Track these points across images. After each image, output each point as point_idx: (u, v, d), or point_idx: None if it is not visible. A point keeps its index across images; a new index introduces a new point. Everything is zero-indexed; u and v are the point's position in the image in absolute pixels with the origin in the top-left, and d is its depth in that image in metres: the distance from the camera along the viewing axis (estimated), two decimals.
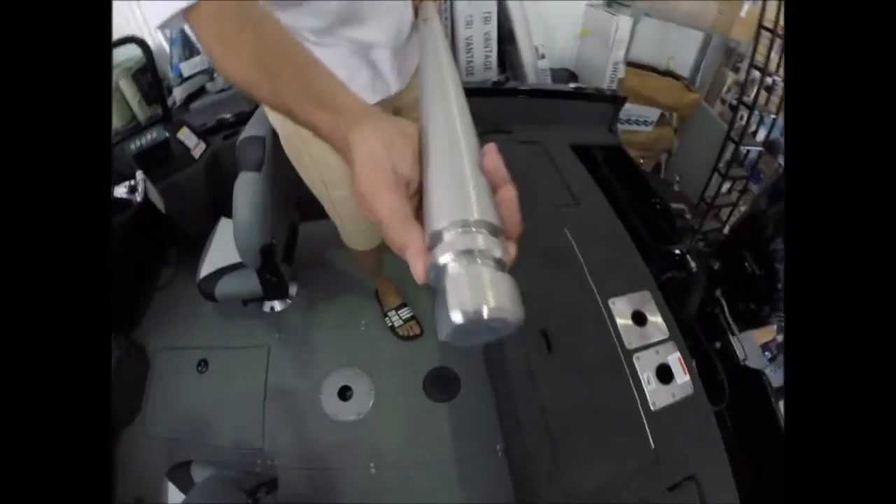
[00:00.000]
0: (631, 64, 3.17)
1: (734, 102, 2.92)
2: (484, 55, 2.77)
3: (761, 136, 2.79)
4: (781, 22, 2.35)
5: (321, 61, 0.59)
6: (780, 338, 1.79)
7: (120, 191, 1.96)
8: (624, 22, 2.87)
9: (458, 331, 0.30)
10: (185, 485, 1.45)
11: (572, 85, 2.41)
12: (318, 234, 2.00)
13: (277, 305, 2.24)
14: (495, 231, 0.35)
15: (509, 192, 0.42)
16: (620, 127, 2.80)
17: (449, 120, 0.46)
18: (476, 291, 0.30)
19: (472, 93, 2.21)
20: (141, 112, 2.63)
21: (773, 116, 2.69)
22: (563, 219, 1.63)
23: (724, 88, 3.13)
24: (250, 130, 1.54)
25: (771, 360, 1.77)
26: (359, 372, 2.00)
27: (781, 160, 2.70)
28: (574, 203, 1.74)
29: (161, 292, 2.45)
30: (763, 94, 2.66)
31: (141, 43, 2.25)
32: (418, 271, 0.36)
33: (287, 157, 1.28)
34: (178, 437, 1.95)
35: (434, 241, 0.35)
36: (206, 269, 1.99)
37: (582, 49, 3.20)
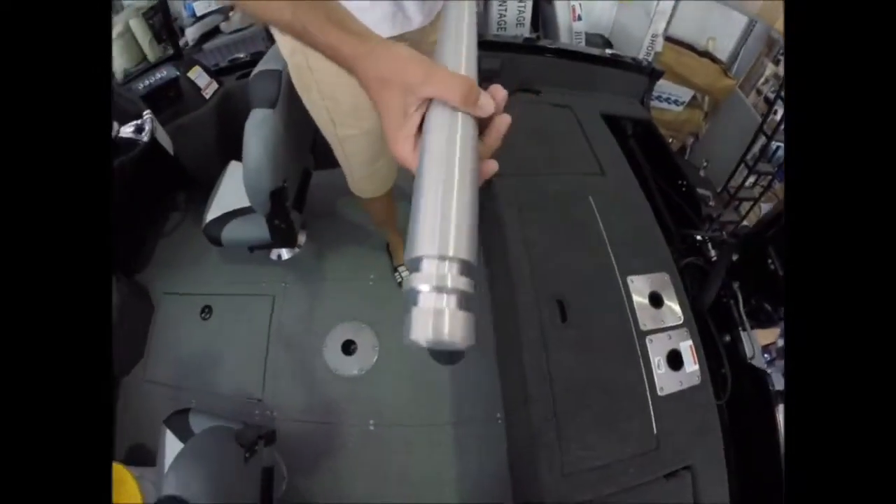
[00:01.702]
0: (669, 40, 3.04)
1: (770, 95, 2.84)
2: (517, 9, 2.67)
3: None
4: None
5: None
6: (781, 342, 1.78)
7: (126, 130, 1.89)
8: None
9: (412, 344, 0.38)
10: (183, 433, 1.44)
11: (609, 51, 2.32)
12: (331, 182, 1.93)
13: (285, 254, 2.21)
14: (467, 269, 0.40)
15: (504, 121, 0.52)
16: (651, 103, 2.73)
17: (451, 130, 0.47)
18: (436, 327, 0.37)
19: (503, 47, 2.16)
20: (151, 52, 2.58)
21: None
22: (588, 187, 1.60)
23: (762, 79, 3.05)
24: (265, 64, 1.47)
25: (769, 362, 1.76)
26: (364, 326, 1.98)
27: None
28: (600, 173, 1.69)
29: (167, 237, 2.43)
30: None
31: None
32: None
33: None
34: (180, 384, 1.95)
35: (413, 265, 0.40)
36: (212, 212, 1.95)
37: (620, 15, 3.09)
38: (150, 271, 2.31)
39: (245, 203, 1.77)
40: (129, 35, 2.54)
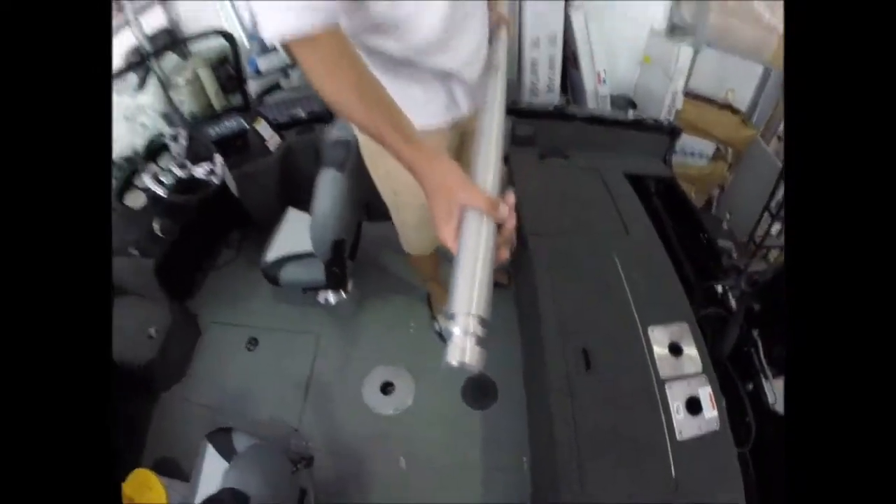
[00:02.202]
0: (689, 95, 3.16)
1: None
2: (548, 77, 2.84)
3: None
4: None
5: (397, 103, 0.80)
6: None
7: (200, 171, 2.15)
8: (685, 52, 2.88)
9: (447, 367, 0.60)
10: (225, 450, 1.53)
11: (631, 114, 2.47)
12: (377, 236, 2.13)
13: (332, 298, 2.31)
14: (483, 321, 0.62)
15: (511, 222, 0.73)
16: (675, 159, 2.81)
17: (479, 229, 0.70)
18: (461, 355, 0.59)
19: (535, 115, 2.32)
20: (217, 101, 2.83)
21: None
22: (613, 246, 1.71)
23: (782, 125, 3.08)
24: (337, 133, 1.69)
25: None
26: (403, 370, 2.10)
27: None
28: (624, 231, 1.80)
29: (218, 270, 2.63)
30: None
31: (229, 38, 2.44)
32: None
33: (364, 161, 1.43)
34: (218, 406, 2.08)
35: (450, 317, 0.62)
36: (272, 254, 2.13)
37: (642, 76, 3.21)
38: (200, 299, 2.50)
39: (302, 248, 2.01)
40: (197, 83, 2.81)
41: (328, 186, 1.71)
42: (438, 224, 0.73)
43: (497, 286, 2.15)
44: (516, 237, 1.79)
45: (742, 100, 3.30)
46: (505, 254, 0.73)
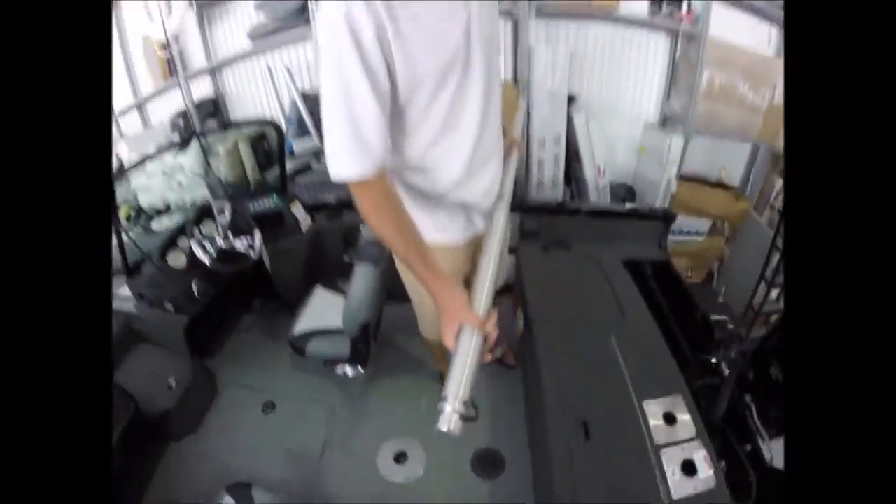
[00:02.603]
0: (684, 177, 3.37)
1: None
2: (553, 173, 3.10)
3: None
4: None
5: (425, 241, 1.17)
6: None
7: (240, 244, 2.35)
8: (676, 142, 3.13)
9: (438, 431, 0.93)
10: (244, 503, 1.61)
11: (627, 205, 2.70)
12: (394, 317, 2.27)
13: (350, 371, 2.45)
14: (468, 402, 0.94)
15: (494, 334, 1.11)
16: (674, 238, 2.99)
17: (471, 339, 1.06)
18: (447, 426, 0.93)
19: (540, 210, 2.53)
20: (252, 174, 3.10)
21: None
22: (611, 329, 1.85)
23: (774, 194, 3.26)
24: (372, 235, 1.91)
25: None
26: (416, 442, 2.19)
27: None
28: (622, 315, 1.95)
29: (239, 334, 2.78)
30: None
31: (278, 129, 2.71)
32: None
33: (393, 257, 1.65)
34: (229, 462, 2.17)
35: (444, 397, 0.94)
36: (300, 328, 2.30)
37: (639, 165, 3.46)
38: (219, 359, 2.64)
39: (329, 324, 2.22)
40: (236, 155, 3.06)
41: (363, 279, 1.92)
42: (444, 331, 1.10)
43: (507, 367, 2.40)
44: (523, 324, 2.06)
45: (735, 175, 3.54)
46: (488, 356, 1.12)
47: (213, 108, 3.84)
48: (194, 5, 3.46)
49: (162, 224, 3.21)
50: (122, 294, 2.33)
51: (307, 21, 3.17)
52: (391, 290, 1.95)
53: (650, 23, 3.17)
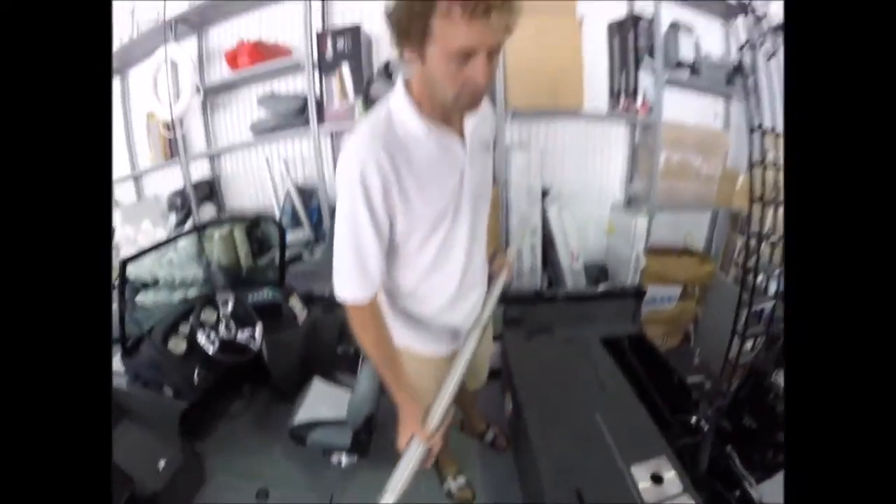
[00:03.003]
0: (652, 250, 3.62)
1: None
2: (530, 261, 3.31)
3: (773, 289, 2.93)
4: (768, 189, 2.65)
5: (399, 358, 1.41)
6: None
7: (242, 336, 2.46)
8: (641, 221, 3.42)
9: None
10: None
11: (601, 287, 2.98)
12: (387, 407, 2.35)
13: (345, 459, 2.44)
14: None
15: (436, 447, 1.39)
16: (648, 308, 3.22)
17: (417, 448, 1.35)
18: None
19: (521, 300, 2.79)
20: (245, 261, 3.20)
21: (778, 270, 2.79)
22: (595, 405, 2.05)
23: (736, 252, 3.51)
24: None
25: None
26: None
27: None
28: (602, 391, 2.16)
29: (229, 421, 2.79)
30: (769, 249, 2.80)
31: (280, 227, 2.91)
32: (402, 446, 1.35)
33: None
34: None
35: (384, 491, 1.23)
36: (299, 418, 2.38)
37: (609, 244, 3.75)
38: (210, 444, 2.60)
39: (328, 415, 2.32)
40: (230, 240, 3.16)
41: (369, 378, 2.09)
42: (399, 435, 1.37)
43: (498, 450, 2.53)
44: (512, 407, 2.32)
45: (699, 238, 3.87)
46: (428, 463, 1.36)
47: (209, 191, 3.94)
48: (202, 92, 3.64)
49: (148, 298, 3.21)
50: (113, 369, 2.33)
51: (306, 121, 3.42)
52: None
53: (611, 116, 3.54)
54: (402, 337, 1.54)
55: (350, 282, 1.27)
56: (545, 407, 2.09)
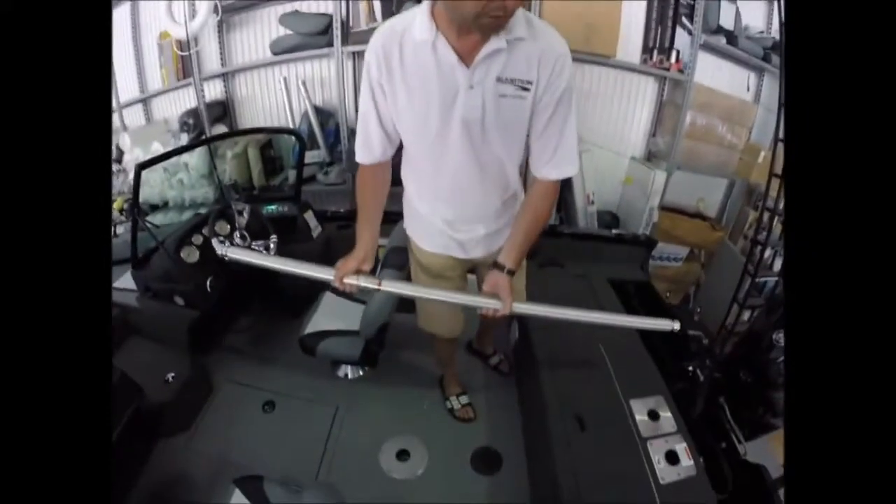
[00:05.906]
0: (665, 208, 3.65)
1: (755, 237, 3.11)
2: None
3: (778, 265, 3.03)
4: None
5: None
6: None
7: (255, 246, 2.35)
8: (660, 175, 3.41)
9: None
10: (256, 497, 1.51)
11: (614, 231, 2.95)
12: (399, 323, 2.27)
13: (351, 372, 2.53)
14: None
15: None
16: (654, 263, 3.22)
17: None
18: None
19: None
20: (258, 179, 3.19)
21: None
22: (599, 338, 2.06)
23: (747, 225, 3.49)
24: (397, 241, 1.99)
25: None
26: (418, 441, 2.25)
27: None
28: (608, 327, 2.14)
29: (236, 334, 2.81)
30: (779, 227, 2.91)
31: (299, 137, 2.85)
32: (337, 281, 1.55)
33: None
34: (226, 458, 2.13)
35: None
36: (310, 328, 2.34)
37: (624, 195, 3.74)
38: (217, 358, 2.61)
39: (339, 326, 2.27)
40: (244, 159, 3.14)
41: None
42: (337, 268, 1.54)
43: (502, 374, 2.56)
44: (519, 332, 2.35)
45: (713, 206, 3.77)
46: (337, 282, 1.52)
47: (223, 111, 3.89)
48: (220, 10, 3.55)
49: (157, 220, 3.13)
50: (119, 285, 2.36)
51: (329, 42, 3.34)
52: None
53: (642, 68, 3.49)
54: (409, 226, 1.79)
55: (358, 145, 1.52)
56: (551, 335, 2.12)
